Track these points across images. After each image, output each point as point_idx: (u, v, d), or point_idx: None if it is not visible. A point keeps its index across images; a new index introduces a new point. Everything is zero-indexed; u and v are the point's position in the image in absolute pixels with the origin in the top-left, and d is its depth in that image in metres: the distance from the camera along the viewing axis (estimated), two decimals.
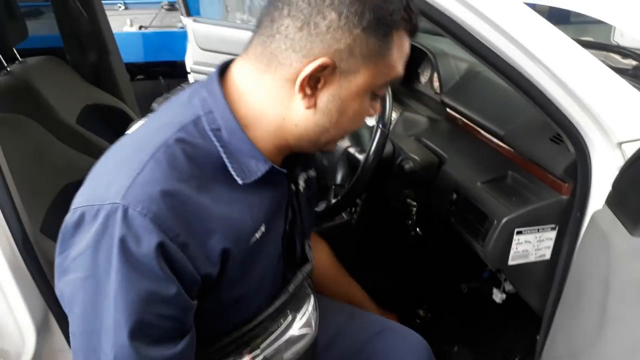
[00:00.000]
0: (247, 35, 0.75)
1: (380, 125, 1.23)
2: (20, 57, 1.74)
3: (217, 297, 0.72)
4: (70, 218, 0.64)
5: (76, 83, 1.93)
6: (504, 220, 1.09)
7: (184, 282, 0.64)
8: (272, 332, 0.82)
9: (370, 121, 1.60)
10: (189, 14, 2.80)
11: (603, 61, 2.66)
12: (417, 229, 1.38)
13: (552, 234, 1.12)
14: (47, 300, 0.85)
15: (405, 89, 1.81)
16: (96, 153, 1.53)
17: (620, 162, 0.95)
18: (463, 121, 1.46)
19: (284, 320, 0.83)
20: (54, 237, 1.04)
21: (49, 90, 1.67)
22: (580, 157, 1.00)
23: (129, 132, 0.76)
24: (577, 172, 1.02)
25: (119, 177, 0.63)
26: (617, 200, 0.91)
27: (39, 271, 0.86)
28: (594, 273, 0.92)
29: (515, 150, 1.23)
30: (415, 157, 1.33)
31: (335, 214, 1.42)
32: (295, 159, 0.81)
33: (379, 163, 1.24)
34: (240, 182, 0.69)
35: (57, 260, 0.65)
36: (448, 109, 1.54)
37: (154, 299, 0.62)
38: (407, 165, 1.32)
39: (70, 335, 0.66)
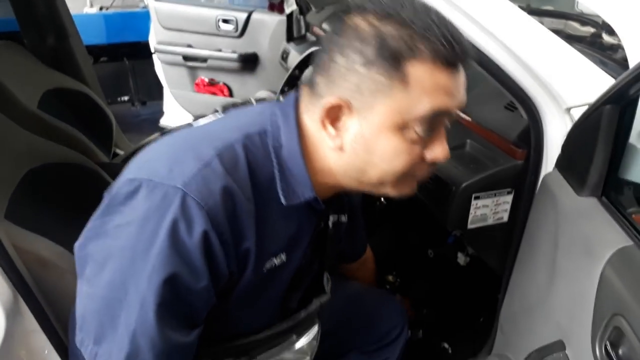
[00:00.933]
0: (210, 12, 0.76)
1: None
2: None
3: (228, 302, 0.75)
4: (124, 186, 0.65)
5: (36, 68, 1.89)
6: (462, 186, 1.14)
7: (215, 275, 0.68)
8: (273, 347, 0.86)
9: None
10: None
11: (562, 29, 2.73)
12: (382, 199, 1.42)
13: (509, 198, 1.17)
14: (15, 283, 0.86)
15: None
16: (60, 138, 1.52)
17: (569, 127, 1.00)
18: None
19: (287, 340, 0.88)
20: (18, 222, 1.05)
21: (8, 76, 1.63)
22: (533, 123, 1.05)
23: (194, 124, 0.79)
24: (530, 138, 1.07)
25: (184, 164, 0.66)
26: (565, 162, 0.97)
27: (5, 256, 0.87)
28: (545, 233, 0.98)
29: (473, 119, 1.27)
30: None
31: None
32: (334, 200, 0.82)
33: None
34: (284, 202, 0.71)
35: (95, 223, 0.67)
36: None
37: (186, 286, 0.65)
38: None
39: (84, 296, 0.67)
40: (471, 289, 1.83)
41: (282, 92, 1.57)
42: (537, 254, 1.02)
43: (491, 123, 1.21)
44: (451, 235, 1.76)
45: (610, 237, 0.77)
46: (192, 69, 2.72)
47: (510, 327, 1.15)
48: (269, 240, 0.73)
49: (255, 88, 2.70)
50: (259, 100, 0.85)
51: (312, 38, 2.29)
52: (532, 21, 1.02)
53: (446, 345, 1.69)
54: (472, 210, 1.17)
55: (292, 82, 1.59)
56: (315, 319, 0.91)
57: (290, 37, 2.26)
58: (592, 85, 1.05)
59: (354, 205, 1.04)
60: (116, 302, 0.64)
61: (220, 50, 2.61)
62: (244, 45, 2.61)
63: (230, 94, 2.76)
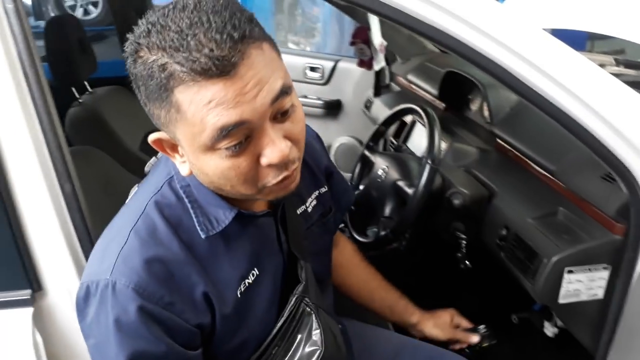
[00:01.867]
0: (298, 60, 0.78)
1: (429, 161, 1.25)
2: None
3: (222, 342, 0.78)
4: (79, 292, 0.73)
5: (139, 109, 2.04)
6: (555, 259, 1.09)
7: (179, 336, 0.71)
8: (284, 357, 0.84)
9: (418, 150, 1.63)
10: None
11: None
12: (467, 262, 1.39)
13: (605, 274, 1.11)
14: None
15: (455, 116, 1.82)
16: None
17: None
18: (513, 153, 1.46)
19: (294, 342, 0.85)
20: None
21: (115, 119, 1.78)
22: (633, 200, 0.99)
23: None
24: (629, 213, 1.01)
25: (109, 252, 0.71)
26: None
27: None
28: None
29: (567, 187, 1.22)
30: (465, 191, 1.35)
31: (383, 246, 1.44)
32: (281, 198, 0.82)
33: (428, 197, 1.27)
34: (202, 235, 0.73)
35: (80, 328, 0.75)
36: (498, 140, 1.54)
37: (148, 357, 0.70)
38: (457, 201, 1.33)
39: None
40: None
41: (368, 147, 1.59)
42: (638, 341, 0.95)
43: (586, 193, 1.16)
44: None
45: None
46: None
47: None
48: (227, 271, 0.75)
49: (337, 133, 2.76)
50: None
51: (396, 88, 2.32)
52: (625, 87, 0.97)
53: None
54: (563, 285, 1.11)
55: (378, 138, 1.60)
56: (306, 309, 0.87)
57: (377, 92, 2.30)
58: None
59: (324, 173, 1.03)
60: None
61: (305, 97, 2.70)
62: (329, 92, 2.68)
63: None
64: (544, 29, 0.96)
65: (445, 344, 1.21)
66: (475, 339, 1.19)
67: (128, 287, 0.68)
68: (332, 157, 2.76)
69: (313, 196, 0.97)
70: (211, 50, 0.58)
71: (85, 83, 1.85)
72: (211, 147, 0.63)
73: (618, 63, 2.37)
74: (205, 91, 0.59)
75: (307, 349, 0.85)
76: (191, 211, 0.74)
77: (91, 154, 1.45)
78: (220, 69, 0.58)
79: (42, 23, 4.55)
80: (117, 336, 0.69)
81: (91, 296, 0.71)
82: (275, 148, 0.64)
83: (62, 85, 1.66)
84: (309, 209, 0.96)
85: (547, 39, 0.94)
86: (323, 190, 1.00)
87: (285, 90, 0.65)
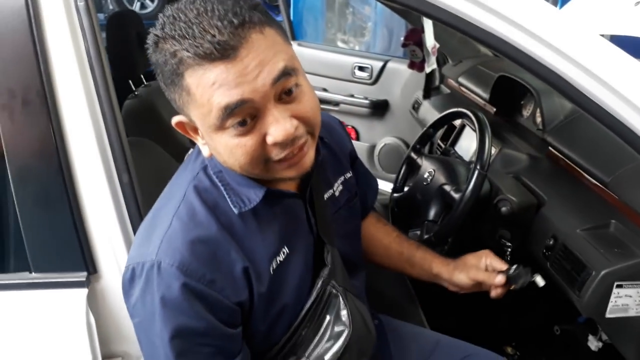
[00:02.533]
0: (347, 59, 0.81)
1: (479, 167, 1.24)
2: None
3: (259, 319, 0.82)
4: (125, 274, 0.78)
5: None
6: (604, 272, 1.06)
7: (220, 313, 0.75)
8: (314, 338, 0.87)
9: (466, 155, 1.61)
10: (294, 37, 2.94)
11: None
12: (514, 266, 1.36)
13: None
14: None
15: (505, 122, 1.79)
16: None
17: None
18: (565, 162, 1.43)
19: (322, 324, 0.88)
20: None
21: (169, 112, 1.83)
22: None
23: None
24: None
25: (154, 236, 0.76)
26: None
27: None
28: None
29: (620, 199, 1.19)
30: (513, 199, 1.32)
31: None
32: (308, 180, 0.87)
33: (474, 203, 1.25)
34: (236, 211, 0.77)
35: (127, 308, 0.80)
36: (550, 148, 1.50)
37: (190, 332, 0.74)
38: (504, 208, 1.31)
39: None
40: None
41: (415, 149, 1.59)
42: None
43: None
44: None
45: None
46: (325, 111, 2.84)
47: None
48: (260, 248, 0.80)
49: (382, 133, 2.75)
50: None
51: (446, 90, 2.29)
52: None
53: None
54: (612, 299, 1.08)
55: (426, 140, 1.60)
56: (333, 290, 0.90)
57: (427, 94, 2.28)
58: None
59: (349, 158, 1.07)
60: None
61: (352, 96, 2.70)
62: (376, 92, 2.68)
63: (357, 137, 2.83)
64: (602, 35, 0.94)
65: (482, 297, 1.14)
66: (499, 279, 1.06)
67: (172, 266, 0.72)
68: (375, 157, 2.77)
69: (339, 181, 1.01)
70: (213, 36, 0.64)
71: (142, 76, 1.91)
72: (220, 127, 0.69)
73: None
74: (209, 74, 0.65)
75: (336, 330, 0.88)
76: (224, 193, 0.79)
77: (145, 146, 1.50)
78: (222, 52, 0.64)
79: (101, 15, 4.72)
80: (162, 313, 0.73)
81: (136, 277, 0.76)
82: (279, 127, 0.69)
83: (120, 78, 1.73)
84: (337, 194, 1.00)
85: (605, 45, 0.91)
86: (348, 175, 1.04)
87: (288, 72, 0.69)
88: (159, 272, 0.73)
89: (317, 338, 0.87)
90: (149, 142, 1.52)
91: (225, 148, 0.72)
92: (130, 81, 1.82)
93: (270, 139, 0.70)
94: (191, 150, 0.89)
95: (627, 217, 1.16)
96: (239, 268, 0.77)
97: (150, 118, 1.78)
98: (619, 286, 1.07)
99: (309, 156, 0.76)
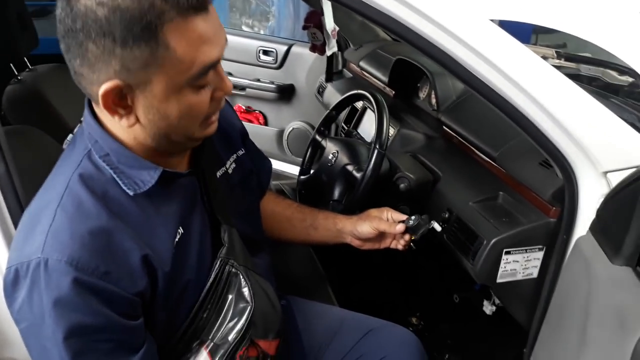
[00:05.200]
0: (251, 43, 0.84)
1: (377, 146, 1.28)
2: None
3: (162, 306, 0.79)
4: (7, 277, 0.72)
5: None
6: (494, 240, 1.14)
7: (118, 306, 0.71)
8: (216, 319, 0.86)
9: (368, 136, 1.66)
10: None
11: (600, 77, 2.71)
12: (411, 244, 1.43)
13: (540, 254, 1.17)
14: None
15: (404, 103, 1.86)
16: None
17: (605, 191, 1.00)
18: (458, 140, 1.51)
19: (224, 305, 0.87)
20: None
21: (58, 98, 1.71)
22: (568, 184, 1.05)
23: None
24: (564, 197, 1.07)
25: (36, 232, 0.71)
26: (600, 228, 0.96)
27: None
28: (576, 297, 0.97)
29: (507, 172, 1.28)
30: (411, 176, 1.38)
31: None
32: (199, 158, 0.87)
33: (375, 181, 1.29)
34: (131, 193, 0.74)
35: (10, 313, 0.74)
36: (444, 127, 1.58)
37: (87, 330, 0.70)
38: (403, 185, 1.37)
39: None
40: (496, 339, 1.80)
41: (319, 131, 1.60)
42: (567, 316, 1.01)
43: (525, 178, 1.21)
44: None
45: None
46: (230, 96, 2.79)
47: None
48: (160, 231, 0.78)
49: (289, 117, 2.76)
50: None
51: (348, 75, 2.33)
52: (566, 79, 1.03)
53: None
54: (502, 265, 1.16)
55: (329, 123, 1.62)
56: (232, 269, 0.89)
57: (329, 77, 2.30)
58: (631, 149, 1.05)
59: (240, 136, 1.07)
60: None
61: (258, 80, 2.67)
62: (282, 76, 2.67)
63: (266, 122, 2.81)
64: (491, 20, 1.00)
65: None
66: (399, 227, 1.13)
67: (61, 261, 0.68)
68: (284, 142, 2.78)
69: (232, 159, 1.00)
70: None
71: (26, 60, 1.76)
72: (186, 85, 0.69)
73: (559, 56, 2.48)
74: (194, 27, 0.66)
75: (238, 308, 0.87)
76: (115, 177, 0.74)
77: (30, 134, 1.38)
78: (201, 2, 0.66)
79: None
80: (53, 313, 0.68)
81: (21, 278, 0.70)
82: (227, 82, 0.75)
83: (0, 62, 1.58)
84: (230, 171, 0.99)
85: (494, 29, 0.97)
86: (241, 152, 1.03)
87: None
88: (46, 269, 0.68)
89: (220, 319, 0.86)
90: (34, 130, 1.40)
91: (184, 108, 0.71)
92: (12, 65, 1.66)
93: (220, 93, 0.75)
94: (70, 135, 0.83)
95: (513, 189, 1.25)
96: (137, 256, 0.73)
97: (36, 104, 1.64)
98: (507, 253, 1.15)
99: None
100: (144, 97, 0.69)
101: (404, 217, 1.15)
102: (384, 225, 1.15)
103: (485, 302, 1.63)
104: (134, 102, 0.70)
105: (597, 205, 0.99)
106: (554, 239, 1.11)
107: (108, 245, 0.71)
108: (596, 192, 1.02)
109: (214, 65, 0.70)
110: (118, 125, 0.74)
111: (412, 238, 1.15)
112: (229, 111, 1.04)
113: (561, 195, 1.08)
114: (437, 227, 1.16)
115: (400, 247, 1.17)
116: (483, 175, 1.35)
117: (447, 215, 1.30)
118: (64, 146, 0.84)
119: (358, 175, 1.34)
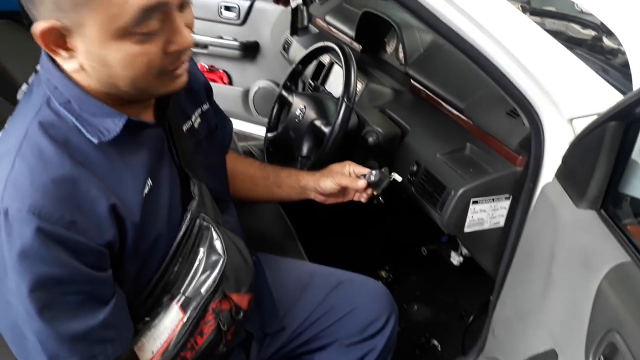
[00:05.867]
0: None
1: (345, 99, 1.25)
2: None
3: (132, 257, 0.76)
4: None
5: (33, 47, 1.87)
6: (461, 190, 1.15)
7: (85, 257, 0.68)
8: (188, 273, 0.85)
9: (336, 92, 1.63)
10: None
11: (563, 31, 2.74)
12: (380, 198, 1.43)
13: (506, 203, 1.18)
14: None
15: (371, 58, 1.83)
16: None
17: (570, 137, 1.01)
18: (426, 93, 1.50)
19: (196, 259, 0.86)
20: None
21: (6, 56, 1.62)
22: (534, 132, 1.06)
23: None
24: (530, 145, 1.08)
25: None
26: (565, 173, 0.98)
27: None
28: (542, 241, 0.99)
29: (474, 123, 1.28)
30: (379, 130, 1.37)
31: None
32: (164, 110, 0.83)
33: (344, 136, 1.28)
34: (95, 141, 0.70)
35: None
36: (412, 81, 1.57)
37: (53, 281, 0.67)
38: (371, 139, 1.36)
39: (2, 331, 0.73)
40: (464, 288, 1.86)
41: (285, 87, 1.57)
42: (533, 261, 1.03)
43: (492, 128, 1.22)
44: (445, 234, 1.78)
45: (609, 252, 0.78)
46: (193, 54, 2.69)
47: (502, 331, 1.17)
48: (128, 181, 0.74)
49: (255, 76, 2.69)
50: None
51: (314, 30, 2.27)
52: (536, 27, 1.02)
53: (436, 343, 1.72)
54: (469, 215, 1.18)
55: (296, 77, 1.58)
56: (203, 223, 0.87)
57: (294, 30, 2.24)
58: (596, 96, 1.06)
59: (205, 91, 1.03)
60: (16, 326, 0.69)
61: (221, 38, 2.59)
62: (246, 34, 2.59)
63: (230, 82, 2.74)
64: None
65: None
66: (361, 182, 1.12)
67: (22, 210, 0.64)
68: (250, 102, 2.72)
69: (197, 113, 0.97)
70: None
71: None
72: (126, 32, 0.63)
73: (524, 10, 2.48)
74: None
75: (210, 261, 0.86)
76: (77, 124, 0.70)
77: None
78: None
79: None
80: (16, 265, 0.65)
81: None
82: (183, 35, 0.69)
83: None
84: (195, 125, 0.96)
85: None
86: (206, 107, 1.00)
87: None
88: (7, 219, 0.64)
89: (191, 273, 0.84)
90: None
91: (124, 58, 0.65)
92: None
93: (174, 47, 0.68)
94: (24, 85, 0.78)
95: (480, 140, 1.26)
96: (104, 205, 0.70)
97: None
98: (475, 202, 1.16)
99: (186, 73, 0.76)
100: (82, 41, 0.65)
101: (366, 171, 1.14)
102: (346, 180, 1.14)
103: (453, 254, 1.67)
104: (73, 45, 0.66)
105: (563, 152, 1.00)
106: (520, 187, 1.13)
107: (73, 193, 0.67)
108: (562, 139, 1.03)
109: (153, 9, 0.63)
110: (70, 70, 0.70)
111: (375, 193, 1.15)
112: (193, 64, 0.99)
113: (527, 144, 1.09)
114: (398, 177, 1.15)
115: (363, 200, 1.17)
116: (450, 128, 1.36)
117: (415, 168, 1.31)
118: (19, 97, 0.78)
119: (326, 130, 1.32)
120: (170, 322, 0.83)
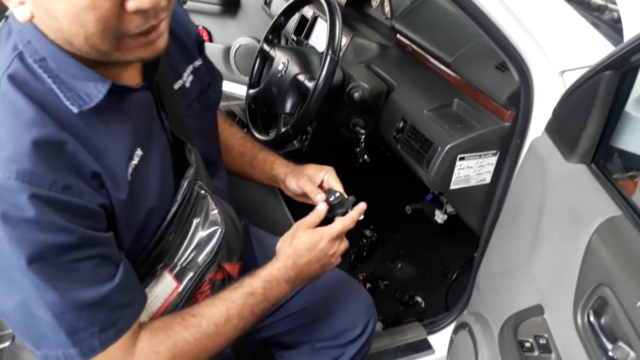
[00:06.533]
0: None
1: (330, 52, 1.20)
2: None
3: (126, 225, 0.70)
4: None
5: None
6: (448, 147, 1.12)
7: (87, 220, 0.63)
8: (182, 243, 0.81)
9: (320, 47, 1.57)
10: None
11: None
12: (365, 156, 1.40)
13: (493, 160, 1.17)
14: None
15: (356, 13, 1.77)
16: None
17: (561, 90, 0.99)
18: (413, 48, 1.46)
19: (190, 228, 0.82)
20: None
21: None
22: (524, 85, 1.03)
23: None
24: (520, 99, 1.05)
25: None
26: (555, 127, 0.95)
27: None
28: (530, 197, 0.98)
29: (462, 78, 1.24)
30: (365, 86, 1.33)
31: (285, 143, 1.41)
32: (150, 71, 0.75)
33: (328, 91, 1.23)
34: (75, 110, 0.62)
35: None
36: (398, 35, 1.52)
37: (61, 250, 0.60)
38: (357, 94, 1.31)
39: (3, 316, 0.66)
40: (448, 247, 1.86)
41: (267, 40, 1.50)
42: (520, 217, 1.02)
43: (480, 82, 1.19)
44: (430, 192, 1.77)
45: (599, 206, 0.77)
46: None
47: (487, 287, 1.17)
48: (112, 153, 0.67)
49: (236, 33, 2.59)
50: None
51: None
52: None
53: (419, 299, 1.73)
54: (455, 171, 1.16)
55: (277, 30, 1.52)
56: (201, 192, 0.83)
57: None
58: (588, 48, 1.03)
59: (196, 44, 0.94)
60: (23, 305, 0.62)
61: None
62: None
63: (210, 39, 2.64)
64: None
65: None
66: (319, 198, 0.96)
67: (10, 178, 0.57)
68: (231, 60, 2.63)
69: (188, 70, 0.89)
70: None
71: None
72: None
73: None
74: None
75: (206, 231, 0.82)
76: (54, 87, 0.62)
77: None
78: None
79: None
80: (14, 238, 0.58)
81: None
82: None
83: None
84: (187, 84, 0.88)
85: None
86: (198, 63, 0.92)
87: None
88: None
89: (185, 242, 0.80)
90: None
91: (71, 10, 0.55)
92: None
93: (132, 4, 0.56)
94: None
95: (468, 95, 1.23)
96: (90, 172, 0.63)
97: None
98: (461, 159, 1.14)
99: (165, 36, 0.65)
100: None
101: (337, 186, 1.01)
102: (309, 187, 1.01)
103: (437, 212, 1.66)
104: None
105: (553, 106, 0.97)
106: (507, 143, 1.11)
107: (61, 156, 0.60)
108: (552, 92, 1.00)
109: None
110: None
111: (328, 214, 0.95)
112: (181, 14, 0.90)
113: (516, 98, 1.07)
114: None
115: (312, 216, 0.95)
116: (437, 83, 1.32)
117: (401, 125, 1.27)
118: None
119: (310, 84, 1.28)
120: (162, 290, 0.79)
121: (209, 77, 0.96)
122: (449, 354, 1.25)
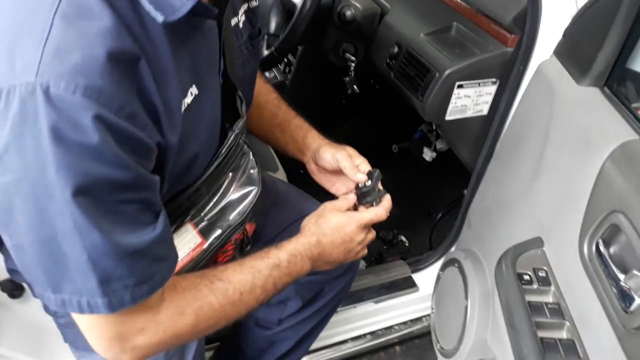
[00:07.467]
0: None
1: None
2: None
3: (174, 161, 0.62)
4: None
5: None
6: (446, 72, 1.05)
7: (143, 159, 0.54)
8: (212, 197, 0.75)
9: None
10: None
11: None
12: (355, 87, 1.32)
13: (492, 89, 1.09)
14: None
15: None
16: None
17: (572, 10, 0.91)
18: None
19: (223, 183, 0.76)
20: None
21: None
22: (532, 4, 0.95)
23: None
24: (525, 21, 0.97)
25: (22, 47, 0.48)
26: (566, 49, 0.88)
27: None
28: (534, 124, 0.91)
29: (462, 0, 1.15)
30: (357, 5, 1.23)
31: (268, 68, 1.32)
32: None
33: (317, 9, 1.13)
34: (160, 19, 0.52)
35: None
36: None
37: (110, 187, 0.51)
38: (349, 12, 1.21)
39: (14, 249, 0.55)
40: (433, 186, 1.82)
41: None
42: (521, 148, 0.96)
43: (481, 4, 1.10)
44: (418, 130, 1.70)
45: (613, 131, 0.71)
46: None
47: (480, 222, 1.13)
48: (173, 81, 0.58)
49: None
50: None
51: None
52: None
53: (403, 238, 1.70)
54: (452, 100, 1.09)
55: None
56: (244, 148, 0.79)
57: None
58: None
59: None
60: (51, 242, 0.52)
61: None
62: None
63: None
64: None
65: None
66: (360, 179, 0.87)
67: (75, 93, 0.46)
68: None
69: (243, 9, 0.79)
70: None
71: None
72: None
73: None
74: None
75: (241, 190, 0.77)
76: None
77: None
78: None
79: None
80: (63, 164, 0.48)
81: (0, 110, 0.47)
82: None
83: None
84: (240, 25, 0.78)
85: None
86: (254, 4, 0.80)
87: None
88: (48, 100, 0.46)
89: (215, 198, 0.74)
90: None
91: None
92: None
93: None
94: None
95: (467, 18, 1.14)
96: (150, 102, 0.54)
97: None
98: (459, 86, 1.07)
99: None
100: None
101: (368, 171, 0.89)
102: (347, 163, 0.89)
103: (426, 149, 1.61)
104: None
105: (562, 26, 0.90)
106: (509, 69, 1.03)
107: (132, 77, 0.51)
108: (562, 13, 0.92)
109: None
110: None
111: (355, 202, 0.87)
112: None
113: (522, 21, 0.98)
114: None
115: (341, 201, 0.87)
116: (435, 6, 1.23)
117: (395, 50, 1.18)
118: None
119: (297, 1, 1.17)
120: (183, 243, 0.72)
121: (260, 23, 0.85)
122: (435, 290, 1.22)
